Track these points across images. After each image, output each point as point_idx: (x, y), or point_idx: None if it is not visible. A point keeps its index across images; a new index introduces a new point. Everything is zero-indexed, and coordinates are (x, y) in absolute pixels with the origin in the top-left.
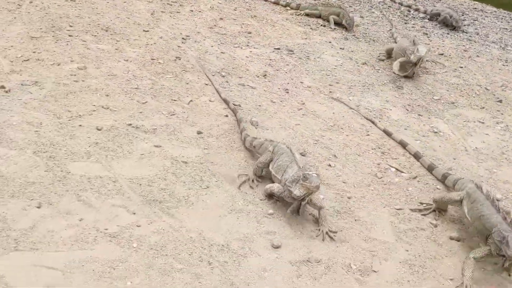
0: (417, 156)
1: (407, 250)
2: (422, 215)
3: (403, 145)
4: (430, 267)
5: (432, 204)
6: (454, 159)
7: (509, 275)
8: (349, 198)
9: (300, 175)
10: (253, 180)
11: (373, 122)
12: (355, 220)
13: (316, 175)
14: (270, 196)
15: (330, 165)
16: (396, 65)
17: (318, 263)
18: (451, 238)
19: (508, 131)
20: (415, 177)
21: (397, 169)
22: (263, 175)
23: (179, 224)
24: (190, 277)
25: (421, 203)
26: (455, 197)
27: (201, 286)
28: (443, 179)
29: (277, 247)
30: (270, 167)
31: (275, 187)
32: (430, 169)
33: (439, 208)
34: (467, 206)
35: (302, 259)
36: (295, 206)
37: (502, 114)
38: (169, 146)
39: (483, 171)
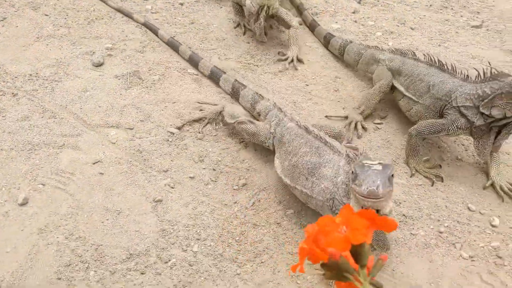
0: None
1: None
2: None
3: None
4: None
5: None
6: None
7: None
8: (181, 5)
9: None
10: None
11: None
12: (192, 23)
13: (376, 170)
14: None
15: None
16: None
17: (150, 71)
18: None
19: None
20: None
21: None
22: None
23: None
24: None
25: None
26: (386, 82)
27: (5, 119)
28: (326, 43)
29: (99, 64)
30: (276, 166)
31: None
32: (312, 27)
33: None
34: (402, 84)
35: (129, 70)
36: None
37: None
38: None
39: None
